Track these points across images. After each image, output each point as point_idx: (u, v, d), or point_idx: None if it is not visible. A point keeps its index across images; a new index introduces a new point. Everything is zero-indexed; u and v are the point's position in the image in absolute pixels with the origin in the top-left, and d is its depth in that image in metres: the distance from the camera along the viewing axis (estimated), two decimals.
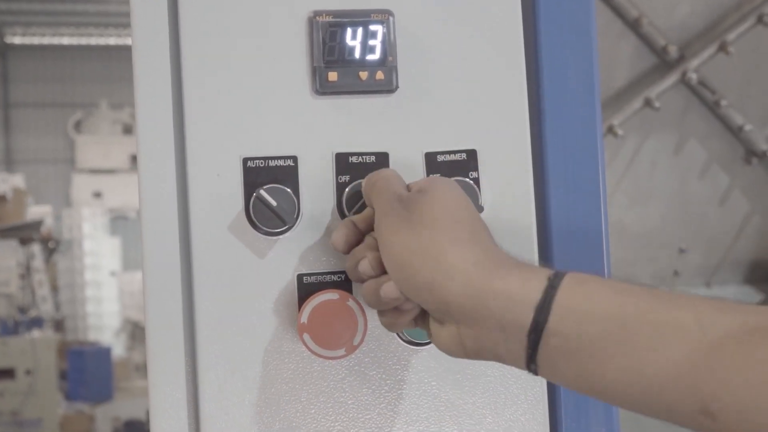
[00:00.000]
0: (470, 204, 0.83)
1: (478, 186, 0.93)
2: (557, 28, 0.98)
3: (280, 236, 0.90)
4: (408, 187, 0.86)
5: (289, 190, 0.89)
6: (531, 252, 0.95)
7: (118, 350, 11.30)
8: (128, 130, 13.66)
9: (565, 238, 0.97)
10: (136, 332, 12.04)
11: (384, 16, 0.93)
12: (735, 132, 2.22)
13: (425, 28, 0.94)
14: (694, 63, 2.12)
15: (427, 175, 0.93)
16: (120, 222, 13.07)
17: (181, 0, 0.91)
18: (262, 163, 0.91)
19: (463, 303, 0.76)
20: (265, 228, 0.89)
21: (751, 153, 2.24)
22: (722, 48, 2.11)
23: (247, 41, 0.91)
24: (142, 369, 11.44)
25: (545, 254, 0.96)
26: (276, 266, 0.90)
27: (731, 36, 2.11)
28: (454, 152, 0.94)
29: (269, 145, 0.91)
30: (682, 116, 2.21)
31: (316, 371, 0.90)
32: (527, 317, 0.73)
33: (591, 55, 0.98)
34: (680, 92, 2.17)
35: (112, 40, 13.92)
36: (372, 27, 0.92)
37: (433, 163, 0.93)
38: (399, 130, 0.93)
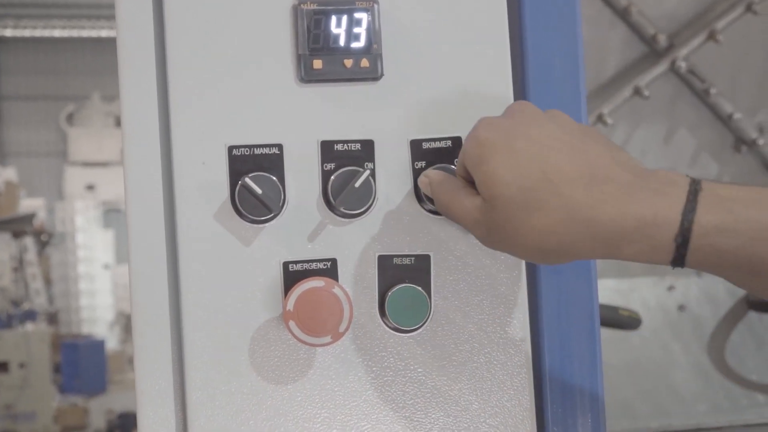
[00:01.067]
0: (541, 137, 0.82)
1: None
2: (542, 15, 0.98)
3: (266, 224, 0.90)
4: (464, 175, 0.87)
5: (274, 178, 0.89)
6: None
7: (112, 343, 11.30)
8: (120, 122, 13.62)
9: None
10: (129, 325, 12.02)
11: (369, 3, 0.93)
12: (725, 120, 2.22)
13: (410, 15, 0.94)
14: (684, 52, 2.12)
15: (412, 162, 0.93)
16: (113, 215, 13.06)
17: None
18: (247, 151, 0.91)
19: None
20: (250, 216, 0.89)
21: (740, 141, 2.25)
22: (711, 36, 2.11)
23: (231, 30, 0.91)
24: None
25: None
26: (262, 254, 0.90)
27: (720, 24, 2.11)
28: (440, 139, 0.94)
29: (254, 133, 0.91)
30: (671, 105, 2.21)
31: (302, 358, 0.90)
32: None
33: (576, 43, 0.98)
34: (670, 81, 2.17)
35: (104, 32, 13.89)
36: (357, 14, 0.92)
37: (418, 150, 0.93)
38: (384, 118, 0.93)
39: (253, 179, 0.88)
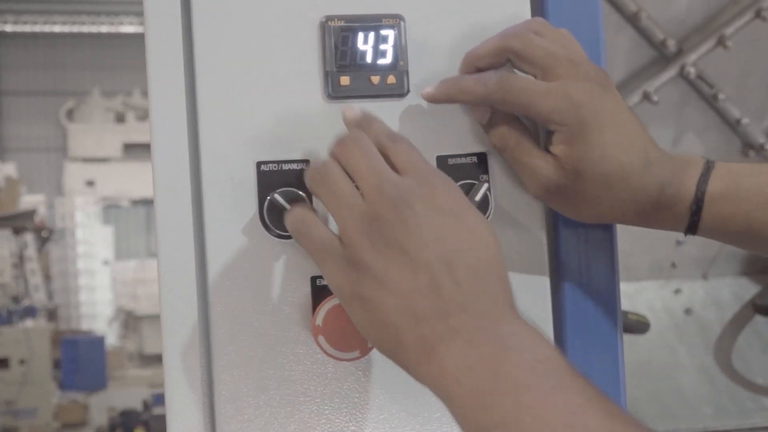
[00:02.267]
0: None
1: (489, 190, 0.93)
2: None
3: (290, 238, 0.91)
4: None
5: (302, 193, 0.90)
6: (540, 250, 0.96)
7: (111, 339, 11.31)
8: (120, 118, 13.64)
9: (574, 236, 0.98)
10: (129, 321, 12.05)
11: (395, 20, 0.94)
12: (732, 125, 2.23)
13: (436, 31, 0.95)
14: (693, 57, 2.13)
15: None
16: (113, 211, 13.07)
17: (194, 6, 0.92)
18: (275, 167, 0.92)
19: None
20: (278, 231, 0.90)
21: (748, 146, 2.25)
22: (720, 42, 2.12)
23: (259, 47, 0.92)
24: (135, 358, 11.46)
25: (555, 250, 0.97)
26: (290, 269, 0.91)
27: (729, 30, 2.12)
28: (466, 155, 0.95)
29: (283, 149, 0.92)
30: (679, 110, 2.22)
31: (330, 372, 0.91)
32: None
33: (599, 58, 0.99)
34: (678, 86, 2.17)
35: (104, 28, 13.90)
36: (383, 31, 0.93)
37: (444, 166, 0.94)
38: (410, 134, 0.94)
39: (282, 195, 0.89)
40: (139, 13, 0.95)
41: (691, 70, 2.13)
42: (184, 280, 0.91)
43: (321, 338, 0.88)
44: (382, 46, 0.93)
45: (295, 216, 0.86)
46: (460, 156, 0.95)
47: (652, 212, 0.91)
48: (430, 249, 0.76)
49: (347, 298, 0.80)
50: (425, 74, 0.95)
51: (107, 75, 13.46)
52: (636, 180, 0.89)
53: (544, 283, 0.96)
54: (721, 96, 2.18)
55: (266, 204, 0.90)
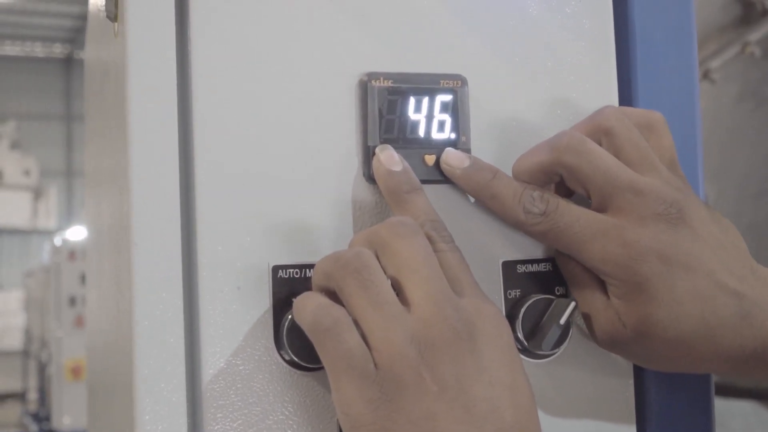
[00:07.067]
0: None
1: (575, 311, 0.71)
2: (657, 104, 0.79)
3: (321, 371, 0.67)
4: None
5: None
6: (625, 391, 0.76)
7: None
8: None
9: (665, 378, 0.78)
10: None
11: (456, 83, 0.72)
12: None
13: (505, 100, 0.74)
14: None
15: (505, 291, 0.72)
16: None
17: (193, 61, 0.67)
18: (297, 272, 0.68)
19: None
20: (301, 362, 0.66)
21: None
22: None
23: (277, 112, 0.69)
24: None
25: (642, 393, 0.77)
26: (316, 412, 0.68)
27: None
28: (538, 262, 0.73)
29: (307, 250, 0.68)
30: None
31: None
32: None
33: (694, 141, 0.80)
34: None
35: None
36: (441, 97, 0.71)
37: (511, 274, 0.73)
38: (473, 232, 0.72)
39: None
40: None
41: None
42: (170, 423, 0.66)
43: None
44: (440, 116, 0.71)
45: (324, 306, 0.62)
46: (531, 262, 0.73)
47: (756, 367, 0.70)
48: (488, 404, 0.60)
49: None
50: (491, 155, 0.73)
51: None
52: (727, 337, 0.68)
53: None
54: None
55: (286, 324, 0.66)
